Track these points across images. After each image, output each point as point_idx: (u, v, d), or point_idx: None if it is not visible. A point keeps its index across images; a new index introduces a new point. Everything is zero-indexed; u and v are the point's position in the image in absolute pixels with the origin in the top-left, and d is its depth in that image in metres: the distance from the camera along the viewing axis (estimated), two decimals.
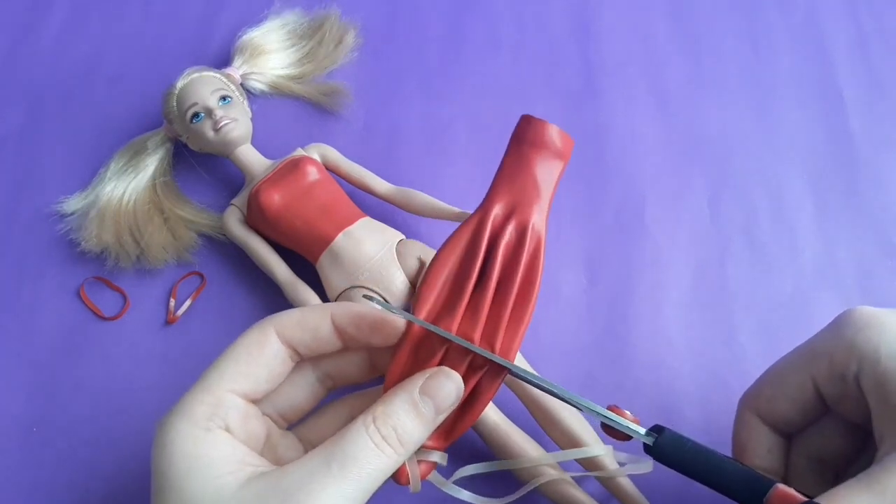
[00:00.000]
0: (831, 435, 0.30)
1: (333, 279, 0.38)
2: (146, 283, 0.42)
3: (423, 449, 0.29)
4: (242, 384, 0.28)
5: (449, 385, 0.27)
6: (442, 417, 0.27)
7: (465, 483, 0.33)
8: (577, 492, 0.34)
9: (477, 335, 0.29)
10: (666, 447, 0.28)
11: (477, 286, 0.29)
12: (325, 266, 0.39)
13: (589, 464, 0.35)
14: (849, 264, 0.42)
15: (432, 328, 0.28)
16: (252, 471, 0.25)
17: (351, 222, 0.39)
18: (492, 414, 0.36)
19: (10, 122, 0.48)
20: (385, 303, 0.29)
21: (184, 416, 0.26)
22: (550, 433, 0.36)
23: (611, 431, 0.29)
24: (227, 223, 0.41)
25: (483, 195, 0.32)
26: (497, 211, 0.30)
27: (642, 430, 0.29)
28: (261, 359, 0.28)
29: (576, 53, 0.49)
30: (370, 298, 0.31)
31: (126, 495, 0.37)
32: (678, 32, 0.50)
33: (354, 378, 0.31)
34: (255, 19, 0.48)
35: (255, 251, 0.41)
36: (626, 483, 0.35)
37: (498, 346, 0.29)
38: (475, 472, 0.33)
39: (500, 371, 0.28)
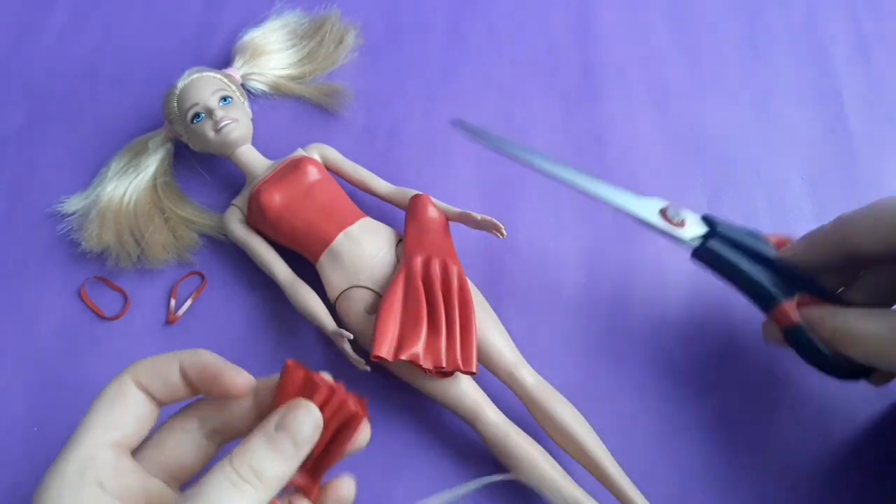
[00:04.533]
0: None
1: (333, 279, 0.39)
2: (147, 283, 0.42)
3: (294, 492, 0.28)
4: (111, 434, 0.27)
5: (305, 417, 0.26)
6: (304, 450, 0.26)
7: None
8: (576, 491, 0.34)
9: (442, 352, 0.35)
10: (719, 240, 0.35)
11: (428, 315, 0.36)
12: (325, 266, 0.39)
13: (589, 465, 0.35)
14: None
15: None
16: None
17: (351, 222, 0.39)
18: (491, 414, 0.36)
19: (11, 123, 0.48)
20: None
21: (55, 476, 0.26)
22: (550, 433, 0.36)
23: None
24: (228, 223, 0.42)
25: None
26: (418, 261, 0.37)
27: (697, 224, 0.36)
28: (124, 406, 0.28)
29: (576, 53, 0.49)
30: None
31: None
32: (678, 32, 0.50)
33: (243, 430, 0.29)
34: (256, 20, 0.48)
35: (256, 251, 0.41)
36: (625, 483, 0.35)
37: (458, 356, 0.35)
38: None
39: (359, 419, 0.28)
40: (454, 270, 0.37)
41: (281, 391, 0.27)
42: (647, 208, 0.36)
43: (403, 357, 0.34)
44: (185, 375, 0.29)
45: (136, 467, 0.28)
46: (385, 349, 0.35)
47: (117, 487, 0.27)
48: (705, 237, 0.36)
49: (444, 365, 0.35)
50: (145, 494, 0.27)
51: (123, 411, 0.28)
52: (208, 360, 0.29)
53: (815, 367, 0.34)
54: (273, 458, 0.26)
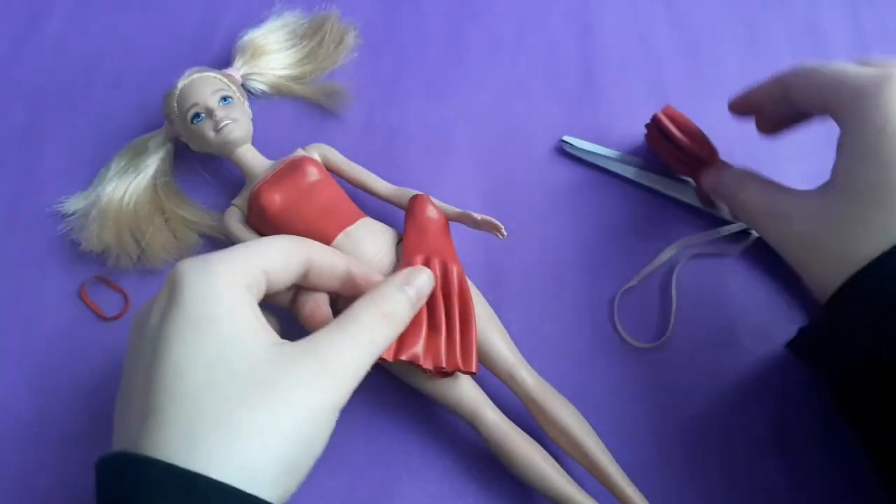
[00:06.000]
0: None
1: None
2: (147, 284, 0.42)
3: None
4: (270, 270, 0.30)
5: (424, 276, 0.33)
6: (420, 303, 0.33)
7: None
8: (576, 492, 0.35)
9: (442, 352, 0.35)
10: None
11: (428, 315, 0.36)
12: None
13: (589, 465, 0.35)
14: None
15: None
16: (275, 338, 0.28)
17: (351, 222, 0.39)
18: (491, 414, 0.36)
19: (11, 123, 0.48)
20: None
21: (224, 268, 0.28)
22: (550, 433, 0.36)
23: None
24: (228, 223, 0.41)
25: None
26: (417, 261, 0.37)
27: None
28: (289, 262, 0.31)
29: (576, 53, 0.49)
30: None
31: None
32: (678, 32, 0.50)
33: (325, 288, 0.34)
34: (256, 20, 0.48)
35: None
36: (625, 483, 0.35)
37: (459, 356, 0.35)
38: None
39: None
40: (454, 270, 0.37)
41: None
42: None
43: (403, 357, 0.34)
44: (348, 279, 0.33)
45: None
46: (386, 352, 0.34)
47: (258, 300, 0.29)
48: None
49: (443, 365, 0.35)
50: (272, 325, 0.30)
51: (283, 260, 0.30)
52: (369, 276, 0.34)
53: None
54: (404, 304, 0.32)
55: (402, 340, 0.35)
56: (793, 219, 0.33)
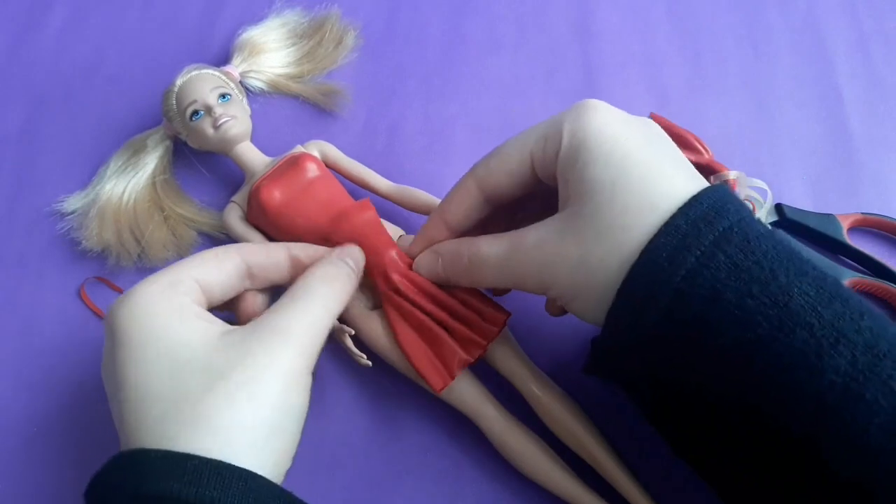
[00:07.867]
0: (539, 207, 0.33)
1: None
2: None
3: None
4: (204, 278, 0.30)
5: (355, 250, 0.35)
6: (359, 272, 0.34)
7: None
8: (579, 487, 0.34)
9: (473, 335, 0.35)
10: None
11: (434, 320, 0.35)
12: None
13: (591, 459, 0.35)
14: None
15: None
16: (224, 328, 0.29)
17: None
18: (494, 410, 0.36)
19: (10, 122, 0.48)
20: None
21: (150, 289, 0.29)
22: (552, 427, 0.36)
23: None
24: (228, 220, 0.41)
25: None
26: (381, 284, 0.36)
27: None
28: (222, 266, 0.31)
29: (576, 53, 0.49)
30: None
31: None
32: (678, 32, 0.50)
33: (276, 280, 0.34)
34: (256, 18, 0.49)
35: None
36: (629, 479, 0.35)
37: (486, 322, 0.35)
38: None
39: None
40: (396, 261, 0.36)
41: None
42: None
43: (459, 371, 0.35)
44: (294, 262, 0.34)
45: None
46: (441, 378, 0.35)
47: (200, 304, 0.30)
48: (772, 225, 0.42)
49: (486, 344, 0.35)
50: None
51: (220, 270, 0.31)
52: (318, 253, 0.34)
53: None
54: (343, 270, 0.33)
55: (443, 358, 0.35)
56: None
